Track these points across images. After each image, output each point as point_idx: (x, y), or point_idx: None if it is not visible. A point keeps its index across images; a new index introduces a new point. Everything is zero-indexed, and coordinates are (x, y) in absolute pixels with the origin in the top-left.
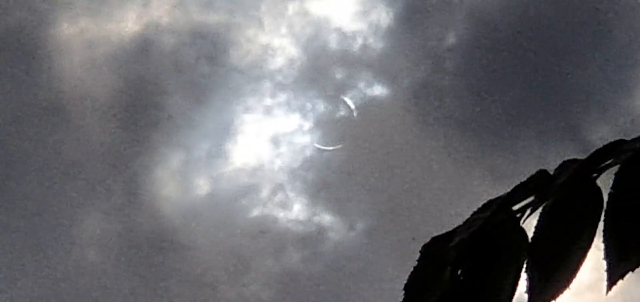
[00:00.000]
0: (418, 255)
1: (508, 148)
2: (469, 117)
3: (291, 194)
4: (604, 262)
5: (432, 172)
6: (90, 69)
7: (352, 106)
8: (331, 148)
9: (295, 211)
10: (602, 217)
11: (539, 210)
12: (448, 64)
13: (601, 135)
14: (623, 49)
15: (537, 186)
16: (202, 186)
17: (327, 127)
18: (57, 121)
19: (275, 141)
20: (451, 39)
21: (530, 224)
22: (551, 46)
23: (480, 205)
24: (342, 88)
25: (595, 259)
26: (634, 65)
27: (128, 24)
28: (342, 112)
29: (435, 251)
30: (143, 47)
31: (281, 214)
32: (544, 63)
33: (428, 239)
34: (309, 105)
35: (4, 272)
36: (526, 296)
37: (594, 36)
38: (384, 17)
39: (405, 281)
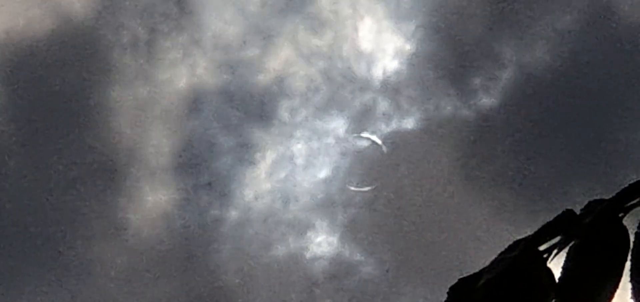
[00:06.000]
0: (446, 296)
1: (554, 206)
2: (516, 173)
3: (324, 235)
4: None
5: (466, 217)
6: (141, 130)
7: (379, 141)
8: (359, 189)
9: (329, 249)
10: (629, 257)
11: (566, 250)
12: (495, 116)
13: None
14: None
15: (563, 226)
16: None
17: (358, 164)
18: (109, 182)
19: (306, 180)
20: (499, 93)
21: (557, 264)
22: (600, 105)
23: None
24: (374, 123)
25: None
26: None
27: (177, 84)
28: (372, 148)
29: (463, 292)
30: (192, 107)
31: (312, 254)
32: (593, 122)
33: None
34: (340, 143)
35: None
36: None
37: None
38: (425, 66)
39: None
